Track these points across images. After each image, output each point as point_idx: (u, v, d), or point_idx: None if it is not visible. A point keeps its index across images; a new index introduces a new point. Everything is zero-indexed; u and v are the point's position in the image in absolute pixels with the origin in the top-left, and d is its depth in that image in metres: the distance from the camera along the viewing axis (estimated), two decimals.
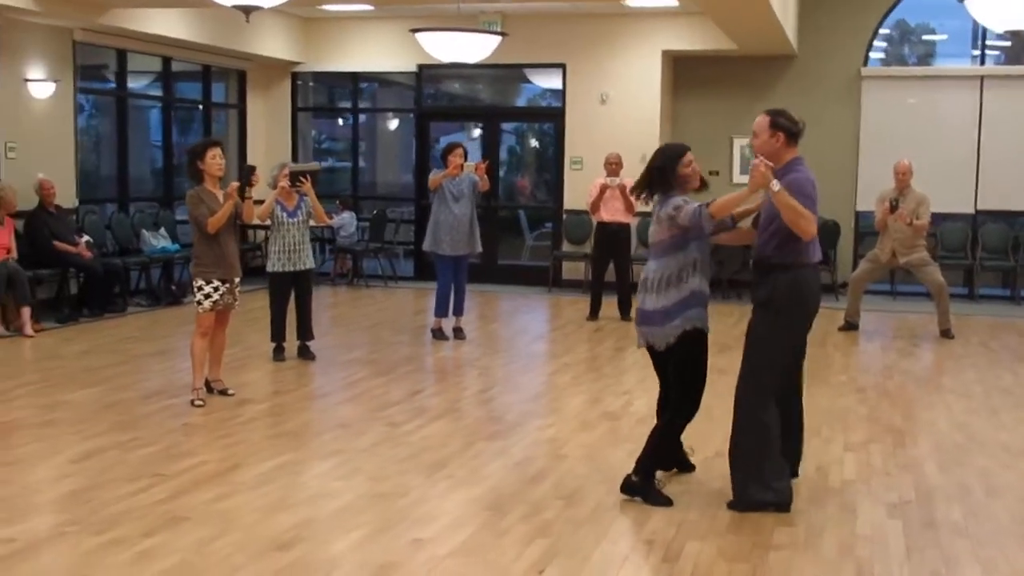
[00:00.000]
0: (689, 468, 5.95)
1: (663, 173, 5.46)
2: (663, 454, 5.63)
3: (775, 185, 5.09)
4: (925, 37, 15.15)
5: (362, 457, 6.28)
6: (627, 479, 5.51)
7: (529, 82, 15.77)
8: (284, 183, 8.83)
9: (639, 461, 5.51)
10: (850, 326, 11.24)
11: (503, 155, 17.96)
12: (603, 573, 4.60)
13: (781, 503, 5.32)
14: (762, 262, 5.36)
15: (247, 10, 8.58)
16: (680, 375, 5.43)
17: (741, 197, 5.23)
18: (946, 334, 10.86)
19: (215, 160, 7.46)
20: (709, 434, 6.41)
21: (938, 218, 14.14)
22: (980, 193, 14.01)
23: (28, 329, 9.95)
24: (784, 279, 5.26)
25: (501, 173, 15.79)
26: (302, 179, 8.83)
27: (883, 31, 14.63)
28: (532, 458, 6.31)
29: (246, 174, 7.62)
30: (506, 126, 16.34)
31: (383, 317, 11.80)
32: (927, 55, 15.01)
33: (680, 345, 5.34)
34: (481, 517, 5.27)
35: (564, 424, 7.14)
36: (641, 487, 5.46)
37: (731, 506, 5.37)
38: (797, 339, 5.48)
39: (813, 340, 10.46)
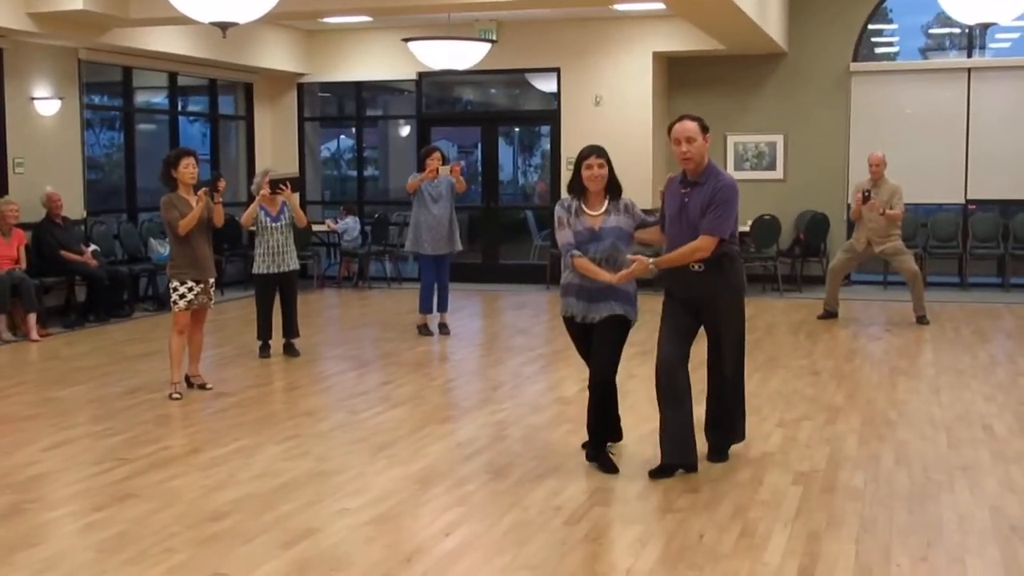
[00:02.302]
0: (612, 470, 5.92)
1: (573, 174, 5.93)
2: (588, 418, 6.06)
3: (653, 268, 5.70)
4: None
5: (315, 441, 6.72)
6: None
7: (527, 86, 16.19)
8: (265, 190, 9.31)
9: None
10: (829, 314, 11.54)
11: (513, 157, 18.49)
12: (504, 534, 4.99)
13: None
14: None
15: (224, 26, 9.04)
16: None
17: (601, 276, 5.72)
18: (921, 320, 11.12)
19: (188, 169, 7.95)
20: (639, 418, 6.78)
21: (930, 208, 14.48)
22: (970, 183, 14.22)
23: (33, 334, 10.51)
24: (736, 266, 5.85)
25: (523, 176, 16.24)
26: (282, 186, 9.29)
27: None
28: (475, 439, 6.71)
29: (212, 180, 8.12)
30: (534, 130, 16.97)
31: (376, 317, 12.26)
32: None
33: None
34: (409, 490, 5.68)
35: (516, 409, 7.53)
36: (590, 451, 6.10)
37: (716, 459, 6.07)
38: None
39: (787, 327, 10.96)
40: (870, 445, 6.47)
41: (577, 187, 5.88)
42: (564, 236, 5.85)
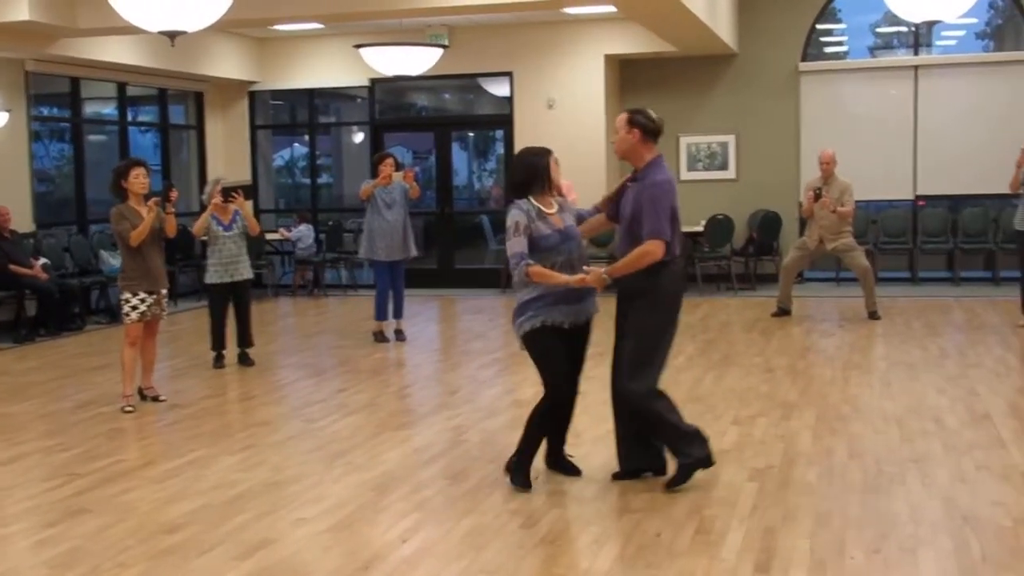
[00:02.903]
0: (574, 472, 5.90)
1: (535, 174, 5.58)
2: (535, 440, 5.72)
3: (607, 279, 5.44)
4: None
5: (270, 450, 6.67)
6: (509, 460, 5.78)
7: (479, 91, 16.21)
8: (217, 199, 9.24)
9: (518, 444, 5.74)
10: (782, 312, 11.63)
11: (468, 162, 18.48)
12: (461, 539, 4.99)
13: (702, 460, 5.63)
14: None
15: (172, 35, 8.98)
16: (536, 367, 5.65)
17: (561, 281, 5.40)
18: (873, 315, 11.24)
19: (138, 179, 7.88)
20: (594, 419, 6.81)
21: (881, 205, 14.65)
22: (919, 179, 14.39)
23: None
24: (665, 271, 5.52)
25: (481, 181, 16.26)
26: (234, 194, 9.23)
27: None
28: (432, 444, 6.70)
29: (164, 190, 8.06)
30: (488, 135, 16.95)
31: (332, 325, 12.23)
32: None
33: (526, 340, 5.56)
34: (366, 497, 5.66)
35: (473, 413, 7.53)
36: (516, 467, 5.68)
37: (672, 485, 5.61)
38: (675, 323, 5.69)
39: (741, 325, 11.04)
40: (824, 440, 6.53)
41: (541, 185, 5.56)
42: (519, 245, 5.39)
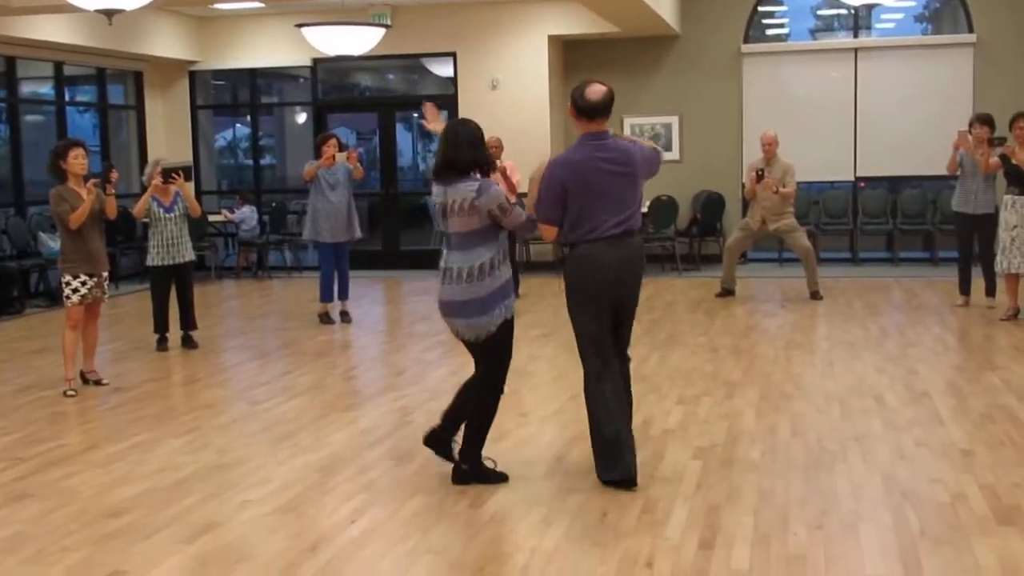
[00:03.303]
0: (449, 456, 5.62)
1: (480, 152, 5.41)
2: (484, 434, 5.51)
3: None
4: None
5: (215, 433, 6.63)
6: (457, 468, 5.48)
7: (423, 71, 16.14)
8: (157, 180, 9.13)
9: (463, 448, 5.50)
10: (726, 292, 11.74)
11: (412, 143, 18.42)
12: (408, 519, 4.99)
13: (621, 481, 5.33)
14: (562, 242, 5.52)
15: (109, 13, 8.88)
16: (494, 359, 5.40)
17: (533, 188, 5.44)
18: (815, 295, 11.38)
19: (77, 160, 7.76)
20: (542, 399, 6.85)
21: (822, 186, 14.83)
22: (859, 161, 14.57)
23: None
24: (572, 256, 5.40)
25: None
26: (174, 175, 9.12)
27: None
28: (378, 426, 6.70)
29: (104, 171, 7.96)
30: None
31: (277, 307, 12.15)
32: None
33: (501, 331, 5.31)
34: (312, 479, 5.64)
35: (419, 395, 7.53)
36: (474, 472, 5.46)
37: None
38: (590, 312, 5.39)
39: (686, 306, 11.12)
40: (767, 418, 6.61)
41: (490, 161, 5.52)
42: (520, 212, 5.39)
